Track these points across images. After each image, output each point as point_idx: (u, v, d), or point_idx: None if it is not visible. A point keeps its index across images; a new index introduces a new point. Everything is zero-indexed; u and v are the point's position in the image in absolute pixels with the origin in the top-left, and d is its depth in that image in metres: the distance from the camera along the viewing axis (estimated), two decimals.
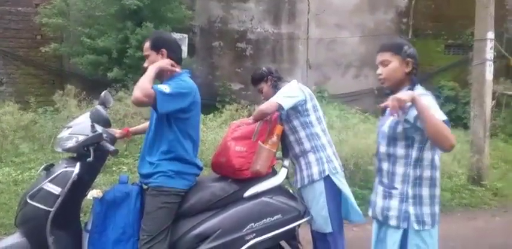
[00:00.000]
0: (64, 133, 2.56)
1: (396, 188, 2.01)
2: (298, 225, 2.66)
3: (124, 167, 5.06)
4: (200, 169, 2.61)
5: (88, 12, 7.73)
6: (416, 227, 1.97)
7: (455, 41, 9.92)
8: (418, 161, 1.97)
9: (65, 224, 2.49)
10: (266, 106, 2.61)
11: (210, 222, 2.52)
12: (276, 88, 2.87)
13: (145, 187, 2.56)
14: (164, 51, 2.51)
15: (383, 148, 2.06)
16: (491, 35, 5.72)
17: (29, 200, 2.39)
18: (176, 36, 8.13)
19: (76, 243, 2.52)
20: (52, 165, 2.56)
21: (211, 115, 6.61)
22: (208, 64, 9.30)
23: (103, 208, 2.49)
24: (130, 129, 2.91)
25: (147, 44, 2.52)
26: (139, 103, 2.31)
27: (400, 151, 1.99)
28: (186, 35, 8.38)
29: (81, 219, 2.77)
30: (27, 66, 8.66)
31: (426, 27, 10.06)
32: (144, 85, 2.28)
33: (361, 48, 9.68)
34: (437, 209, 2.03)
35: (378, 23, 9.81)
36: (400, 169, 2.00)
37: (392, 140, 2.00)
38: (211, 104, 8.44)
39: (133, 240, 2.45)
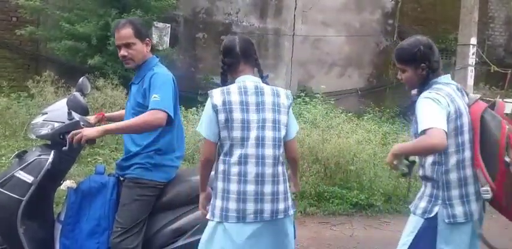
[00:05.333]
0: (39, 119, 2.49)
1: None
2: None
3: (100, 158, 4.93)
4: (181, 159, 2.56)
5: None
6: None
7: (439, 45, 10.03)
8: None
9: (37, 214, 2.43)
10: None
11: (188, 217, 2.47)
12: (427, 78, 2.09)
13: (122, 178, 2.49)
14: (149, 40, 2.45)
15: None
16: (474, 40, 5.82)
17: None
18: (159, 25, 7.97)
19: (48, 234, 2.45)
20: (25, 152, 2.47)
21: (192, 109, 6.49)
22: (190, 55, 9.16)
23: (77, 199, 2.42)
24: (106, 114, 2.82)
25: (128, 31, 2.38)
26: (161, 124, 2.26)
27: None
28: (168, 25, 8.22)
29: (54, 209, 2.68)
30: (2, 49, 8.33)
31: (411, 29, 10.14)
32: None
33: (346, 48, 9.72)
34: None
35: (363, 23, 9.85)
36: None
37: None
38: (192, 97, 8.30)
39: (107, 233, 2.39)
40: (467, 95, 2.15)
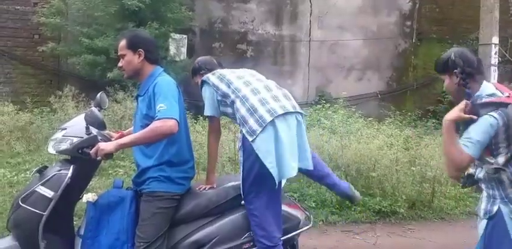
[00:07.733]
0: (58, 135, 2.52)
1: None
2: (298, 234, 2.59)
3: (120, 170, 4.98)
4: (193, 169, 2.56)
5: (87, 12, 7.63)
6: None
7: (459, 45, 9.82)
8: None
9: (58, 229, 2.45)
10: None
11: (207, 229, 2.48)
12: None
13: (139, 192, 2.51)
14: (142, 51, 2.45)
15: None
16: (496, 39, 5.68)
17: (21, 203, 2.35)
18: (176, 36, 8.07)
19: (68, 248, 2.48)
20: (45, 167, 2.52)
21: None
22: None
23: (97, 213, 2.45)
24: (125, 132, 2.83)
25: (122, 43, 2.46)
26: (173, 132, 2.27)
27: None
28: (185, 36, 8.30)
29: (74, 223, 2.72)
30: (25, 66, 8.57)
31: (430, 31, 9.94)
32: None
33: (364, 51, 9.61)
34: None
35: (381, 26, 9.73)
36: None
37: None
38: None
39: (126, 247, 2.40)
40: None
